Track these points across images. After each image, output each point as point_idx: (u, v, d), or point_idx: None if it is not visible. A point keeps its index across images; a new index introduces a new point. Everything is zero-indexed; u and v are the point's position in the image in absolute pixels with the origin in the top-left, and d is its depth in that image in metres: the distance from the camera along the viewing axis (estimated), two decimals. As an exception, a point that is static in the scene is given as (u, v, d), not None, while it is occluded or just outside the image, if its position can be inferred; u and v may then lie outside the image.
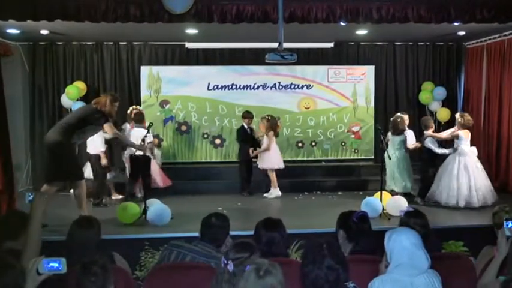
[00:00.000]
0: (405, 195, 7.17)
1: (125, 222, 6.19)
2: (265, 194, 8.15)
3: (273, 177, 8.16)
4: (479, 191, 6.99)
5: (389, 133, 7.63)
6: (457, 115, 7.40)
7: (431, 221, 3.45)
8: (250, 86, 9.57)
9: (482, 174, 7.16)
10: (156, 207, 6.28)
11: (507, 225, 2.84)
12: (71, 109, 8.83)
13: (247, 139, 8.36)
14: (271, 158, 8.17)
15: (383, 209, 6.53)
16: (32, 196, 3.16)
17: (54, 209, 6.95)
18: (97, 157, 7.50)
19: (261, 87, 9.59)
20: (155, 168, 8.03)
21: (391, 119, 7.69)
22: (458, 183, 7.00)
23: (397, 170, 7.38)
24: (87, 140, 7.20)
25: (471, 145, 7.27)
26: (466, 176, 7.02)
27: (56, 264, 2.29)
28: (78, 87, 8.82)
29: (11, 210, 6.23)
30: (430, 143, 7.47)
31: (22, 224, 3.06)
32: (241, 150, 8.42)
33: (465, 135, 7.18)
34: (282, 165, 8.22)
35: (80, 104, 8.52)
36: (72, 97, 8.71)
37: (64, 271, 2.30)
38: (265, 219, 3.33)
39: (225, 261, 2.33)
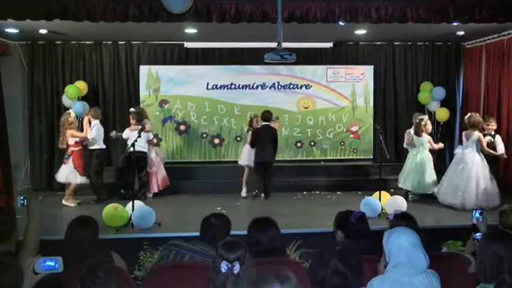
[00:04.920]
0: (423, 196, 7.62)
1: (110, 225, 5.92)
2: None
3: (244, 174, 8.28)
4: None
5: (413, 134, 7.80)
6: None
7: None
8: (249, 85, 9.56)
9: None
10: (139, 210, 6.06)
11: (475, 214, 3.36)
12: (67, 108, 8.83)
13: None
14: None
15: (382, 208, 6.54)
16: (24, 200, 3.13)
17: (52, 209, 7.01)
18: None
19: (260, 87, 9.59)
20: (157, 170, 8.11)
21: (417, 120, 7.75)
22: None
23: (416, 170, 7.65)
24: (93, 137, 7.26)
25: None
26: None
27: (52, 263, 2.28)
28: (77, 86, 8.81)
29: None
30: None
31: (11, 224, 3.04)
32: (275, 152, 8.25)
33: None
34: (243, 163, 8.26)
35: (80, 104, 8.51)
36: (71, 96, 8.70)
37: (60, 270, 2.29)
38: (255, 220, 3.29)
39: (229, 265, 2.29)
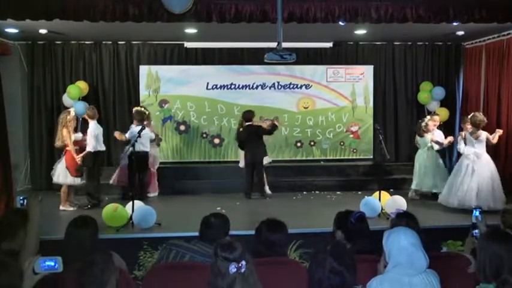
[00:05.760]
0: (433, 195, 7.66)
1: (110, 225, 5.90)
2: None
3: None
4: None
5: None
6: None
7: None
8: (249, 85, 9.56)
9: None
10: (140, 209, 6.04)
11: (474, 213, 3.32)
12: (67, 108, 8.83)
13: None
14: None
15: (382, 208, 6.53)
16: (23, 200, 3.12)
17: (52, 209, 7.01)
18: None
19: (259, 86, 9.59)
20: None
21: (420, 121, 8.07)
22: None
23: (423, 169, 7.83)
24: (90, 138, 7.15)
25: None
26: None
27: (52, 263, 2.28)
28: (79, 86, 8.81)
29: (10, 209, 6.17)
30: None
31: (21, 223, 3.05)
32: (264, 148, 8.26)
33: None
34: (242, 165, 8.23)
35: (82, 104, 8.49)
36: (73, 96, 8.70)
37: (60, 270, 2.29)
38: (269, 220, 3.31)
39: (236, 265, 2.23)
